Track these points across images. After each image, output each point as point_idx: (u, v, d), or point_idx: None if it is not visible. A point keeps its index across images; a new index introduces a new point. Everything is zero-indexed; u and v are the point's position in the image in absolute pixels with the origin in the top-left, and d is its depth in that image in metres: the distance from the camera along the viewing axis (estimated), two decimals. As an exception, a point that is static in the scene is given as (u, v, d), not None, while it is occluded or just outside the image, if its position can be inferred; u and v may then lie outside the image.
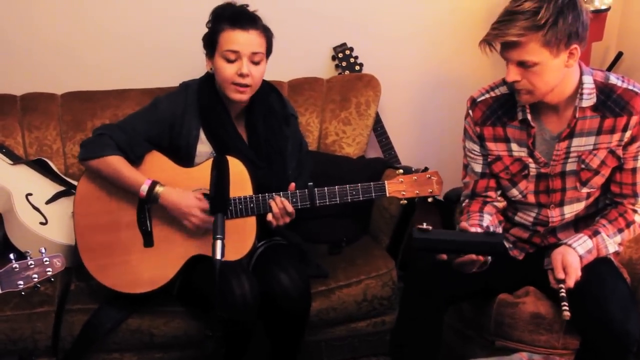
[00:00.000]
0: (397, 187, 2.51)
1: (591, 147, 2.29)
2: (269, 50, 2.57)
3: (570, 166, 2.33)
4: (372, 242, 3.23)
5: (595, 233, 2.29)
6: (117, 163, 2.52)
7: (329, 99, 3.42)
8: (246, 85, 2.50)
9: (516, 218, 2.50)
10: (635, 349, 2.20)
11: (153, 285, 2.58)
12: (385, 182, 2.51)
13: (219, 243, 2.07)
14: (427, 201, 2.57)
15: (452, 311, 2.63)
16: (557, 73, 2.16)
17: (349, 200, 2.52)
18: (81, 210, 2.61)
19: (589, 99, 2.23)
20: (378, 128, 3.49)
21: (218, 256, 2.05)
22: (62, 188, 2.98)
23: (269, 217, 2.50)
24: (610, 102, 2.24)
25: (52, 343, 2.68)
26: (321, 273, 2.90)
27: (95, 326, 2.65)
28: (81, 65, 3.41)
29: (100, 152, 2.52)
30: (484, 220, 2.35)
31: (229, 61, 2.48)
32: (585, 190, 2.36)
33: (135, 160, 2.55)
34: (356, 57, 3.56)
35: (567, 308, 2.04)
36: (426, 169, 2.60)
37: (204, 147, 2.60)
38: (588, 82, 2.24)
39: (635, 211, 2.36)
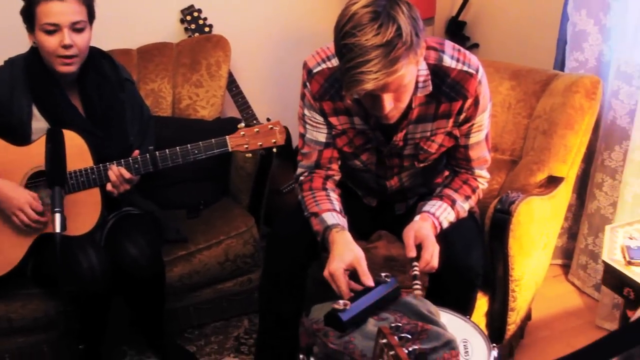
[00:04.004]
0: (239, 141, 2.47)
1: (428, 134, 2.21)
2: (91, 17, 2.48)
3: (408, 151, 2.26)
4: (232, 202, 3.23)
5: (454, 202, 2.24)
6: None
7: (179, 63, 3.36)
8: (72, 56, 2.41)
9: (358, 179, 2.48)
10: (479, 282, 2.27)
11: (2, 270, 2.49)
12: (227, 137, 2.47)
13: (57, 216, 2.03)
14: (272, 152, 2.56)
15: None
16: (415, 77, 2.01)
17: (192, 159, 2.46)
18: None
19: (424, 86, 2.09)
20: (233, 88, 3.46)
21: (58, 229, 2.02)
22: None
23: (109, 186, 2.45)
24: (445, 86, 2.11)
25: None
26: (180, 238, 2.87)
27: (-51, 317, 2.56)
28: None
29: None
30: (332, 201, 2.24)
31: (50, 34, 2.38)
32: (422, 165, 2.32)
33: None
34: (205, 19, 3.51)
35: (419, 286, 1.99)
36: (268, 121, 2.58)
37: (39, 123, 2.51)
38: (422, 68, 2.07)
39: (475, 179, 2.33)
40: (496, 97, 2.95)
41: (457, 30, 4.09)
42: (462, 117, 2.18)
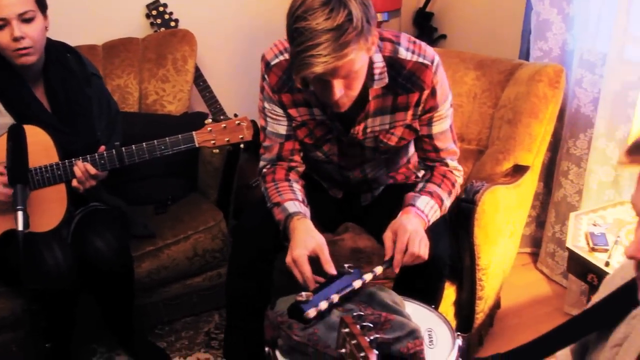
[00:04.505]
0: (206, 137, 2.45)
1: (387, 127, 2.21)
2: (41, 5, 2.43)
3: (369, 143, 2.26)
4: (200, 197, 3.22)
5: (442, 201, 2.21)
6: None
7: (145, 58, 3.34)
8: (27, 47, 2.37)
9: (322, 171, 2.48)
10: (447, 272, 2.29)
11: (-33, 267, 2.47)
12: (194, 132, 2.45)
13: (20, 214, 2.05)
14: (239, 147, 2.55)
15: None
16: (366, 65, 1.99)
17: (159, 154, 2.44)
18: None
19: (381, 79, 2.10)
20: (200, 83, 3.44)
21: (20, 227, 2.04)
22: None
23: (74, 182, 2.42)
24: (401, 78, 2.12)
25: None
26: (147, 233, 2.86)
27: None
28: None
29: None
30: (295, 191, 2.24)
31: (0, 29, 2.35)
32: (385, 156, 2.34)
33: None
34: (171, 13, 3.50)
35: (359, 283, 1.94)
36: (235, 116, 2.57)
37: (4, 118, 2.46)
38: (378, 60, 2.08)
39: (452, 171, 2.30)
40: (462, 87, 2.97)
41: (424, 22, 4.10)
42: (420, 108, 2.18)
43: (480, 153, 2.91)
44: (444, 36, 4.07)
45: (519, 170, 2.72)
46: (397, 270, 2.03)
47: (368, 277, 1.94)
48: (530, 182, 2.77)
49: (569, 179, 3.14)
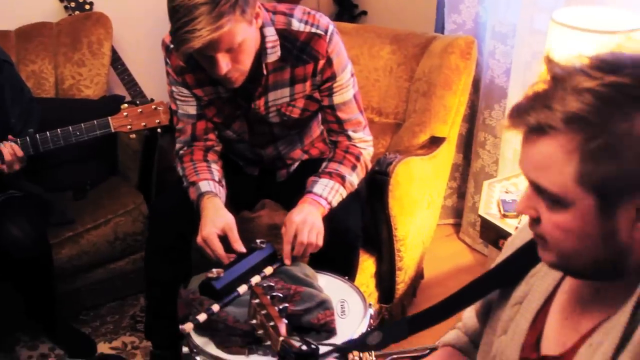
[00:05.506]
0: (122, 122, 2.42)
1: (288, 99, 2.22)
2: None
3: (274, 118, 2.27)
4: (120, 181, 3.20)
5: (344, 179, 2.20)
6: None
7: (60, 42, 3.27)
8: None
9: (235, 150, 2.48)
10: (360, 244, 2.31)
11: None
12: (109, 118, 2.42)
13: None
14: (157, 132, 2.54)
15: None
16: (255, 39, 2.04)
17: (74, 141, 2.41)
18: None
19: (274, 52, 2.11)
20: (118, 66, 3.39)
21: None
22: None
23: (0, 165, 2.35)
24: (296, 50, 2.13)
25: None
26: (66, 220, 2.83)
27: None
28: None
29: None
30: (212, 171, 2.25)
31: None
32: (295, 131, 2.36)
33: None
34: (85, -4, 3.44)
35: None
36: (152, 100, 2.55)
37: None
38: (270, 34, 2.09)
39: (355, 145, 2.29)
40: (378, 61, 3.00)
41: (344, -1, 4.11)
42: (318, 79, 2.19)
43: (398, 126, 2.94)
44: (364, 12, 4.08)
45: (435, 142, 2.75)
46: (287, 262, 2.04)
47: (255, 279, 1.92)
48: (446, 153, 2.81)
49: (486, 149, 3.20)
